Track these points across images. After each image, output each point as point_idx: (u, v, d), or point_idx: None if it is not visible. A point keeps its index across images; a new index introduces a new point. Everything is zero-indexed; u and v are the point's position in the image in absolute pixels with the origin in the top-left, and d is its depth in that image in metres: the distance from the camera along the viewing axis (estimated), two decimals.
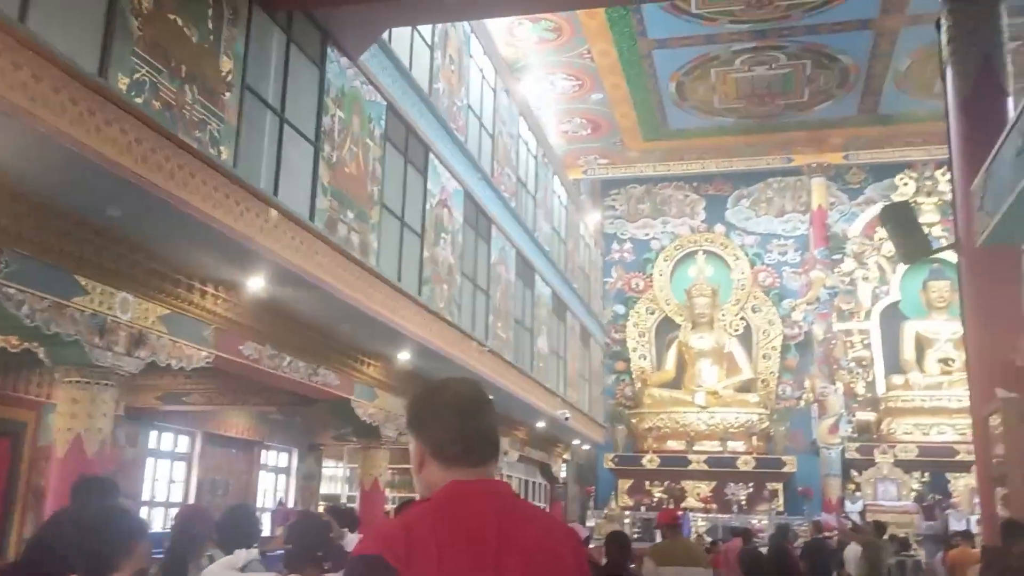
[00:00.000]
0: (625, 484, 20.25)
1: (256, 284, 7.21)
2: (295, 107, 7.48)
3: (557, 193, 17.34)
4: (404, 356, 10.15)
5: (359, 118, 8.55)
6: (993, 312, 6.08)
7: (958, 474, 18.56)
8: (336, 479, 17.40)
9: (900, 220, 6.32)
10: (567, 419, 15.80)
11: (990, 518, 5.65)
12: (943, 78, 6.64)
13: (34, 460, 10.56)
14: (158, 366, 7.35)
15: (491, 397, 1.75)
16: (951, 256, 20.46)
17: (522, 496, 18.15)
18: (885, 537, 10.22)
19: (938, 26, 6.67)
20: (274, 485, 15.43)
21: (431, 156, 10.38)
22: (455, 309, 10.98)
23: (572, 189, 19.35)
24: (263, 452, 15.08)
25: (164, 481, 13.05)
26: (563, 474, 19.94)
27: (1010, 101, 6.18)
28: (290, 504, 14.99)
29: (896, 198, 21.16)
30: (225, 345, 7.53)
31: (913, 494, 18.63)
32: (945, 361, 20.07)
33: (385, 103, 9.17)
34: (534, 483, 18.86)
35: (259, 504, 14.93)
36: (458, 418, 1.66)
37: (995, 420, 5.46)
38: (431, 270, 10.21)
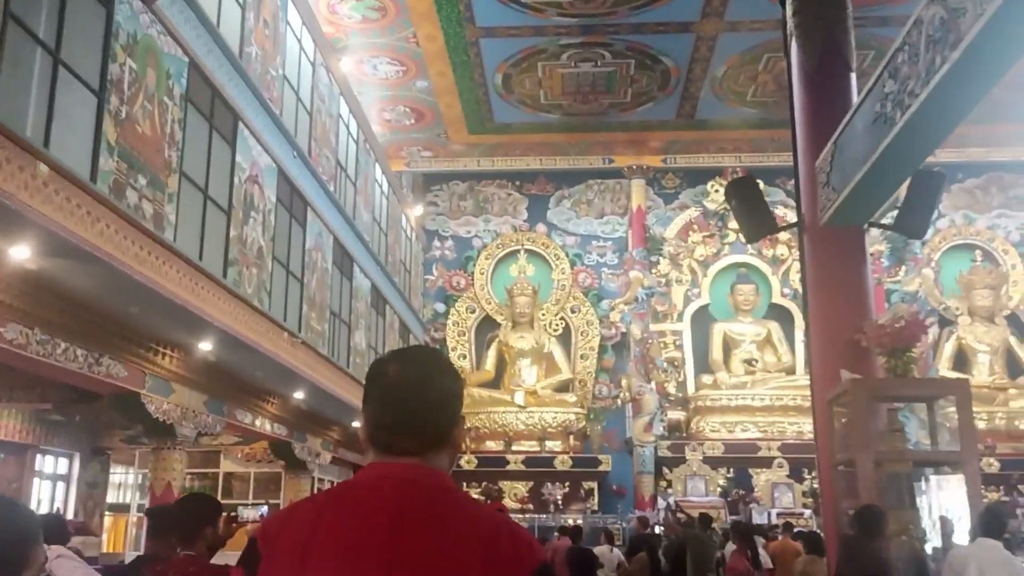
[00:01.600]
0: None
1: (20, 253, 6.10)
2: (74, 48, 6.40)
3: (379, 182, 16.60)
4: (205, 346, 9.12)
5: (155, 72, 7.53)
6: (836, 293, 6.00)
7: (759, 470, 19.40)
8: (125, 487, 15.80)
9: (746, 196, 6.15)
10: None
11: (832, 506, 5.55)
12: (787, 53, 6.56)
13: None
14: None
15: (446, 374, 1.53)
16: (758, 262, 21.76)
17: None
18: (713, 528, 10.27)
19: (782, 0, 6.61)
20: (51, 494, 13.72)
21: (240, 125, 9.41)
22: (265, 296, 10.04)
23: (394, 180, 18.67)
24: (38, 457, 13.37)
25: None
26: None
27: (853, 77, 6.16)
28: (69, 515, 13.35)
29: (708, 204, 21.99)
30: None
31: (719, 490, 19.25)
32: (749, 361, 20.95)
33: (187, 60, 8.16)
34: None
35: None
36: (386, 404, 1.49)
37: (841, 403, 5.35)
38: (238, 251, 9.25)
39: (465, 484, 19.55)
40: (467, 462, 19.52)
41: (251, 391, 11.43)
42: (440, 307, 22.50)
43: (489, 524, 1.42)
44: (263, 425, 12.33)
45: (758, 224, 6.21)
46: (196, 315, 8.10)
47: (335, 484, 1.41)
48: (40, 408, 11.65)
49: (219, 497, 14.81)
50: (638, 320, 20.44)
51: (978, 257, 21.09)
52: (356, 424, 15.06)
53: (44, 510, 13.53)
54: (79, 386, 8.84)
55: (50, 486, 13.75)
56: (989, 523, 4.97)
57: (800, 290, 20.93)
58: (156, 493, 9.67)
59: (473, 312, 22.44)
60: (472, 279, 22.60)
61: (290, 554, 1.38)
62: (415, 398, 1.46)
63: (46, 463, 13.67)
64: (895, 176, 5.23)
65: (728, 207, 21.22)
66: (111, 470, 15.02)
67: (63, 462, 14.17)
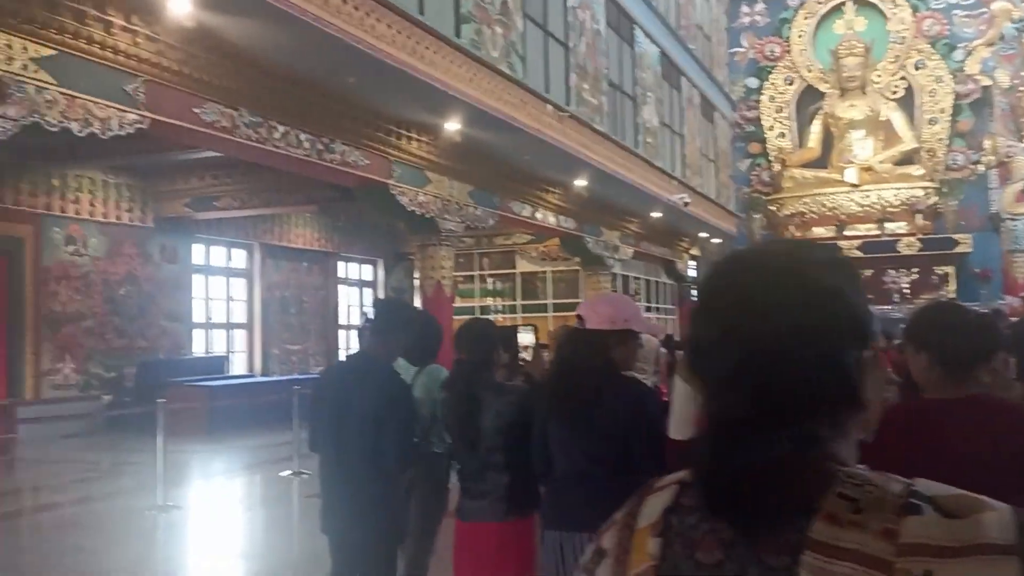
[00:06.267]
0: None
1: (180, 7, 5.09)
2: None
3: None
4: (451, 125, 7.95)
5: None
6: None
7: None
8: None
9: None
10: (687, 204, 13.36)
11: None
12: None
13: (42, 281, 9.27)
14: (175, 160, 5.54)
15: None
16: None
17: (644, 298, 16.07)
18: None
19: None
20: (359, 299, 13.97)
21: None
22: (517, 61, 8.56)
23: None
24: (340, 264, 13.57)
25: (221, 300, 11.73)
26: (692, 272, 17.67)
27: None
28: None
29: None
30: (164, 105, 5.54)
31: None
32: None
33: None
34: (658, 283, 16.74)
35: (343, 321, 13.58)
36: None
37: None
38: (473, 5, 7.77)
39: None
40: None
41: (523, 179, 10.26)
42: (752, 82, 19.81)
43: None
44: (545, 218, 11.23)
45: None
46: (426, 84, 6.85)
47: None
48: (305, 210, 11.48)
49: (520, 298, 14.27)
50: (1005, 65, 16.29)
51: None
52: (655, 214, 13.53)
53: (355, 316, 13.89)
54: (336, 181, 8.15)
55: (355, 291, 14.00)
56: None
57: None
58: (426, 293, 8.98)
59: (791, 84, 19.54)
60: (789, 45, 19.53)
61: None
62: None
63: (349, 270, 13.88)
64: None
65: None
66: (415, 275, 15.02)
67: (367, 268, 14.36)
